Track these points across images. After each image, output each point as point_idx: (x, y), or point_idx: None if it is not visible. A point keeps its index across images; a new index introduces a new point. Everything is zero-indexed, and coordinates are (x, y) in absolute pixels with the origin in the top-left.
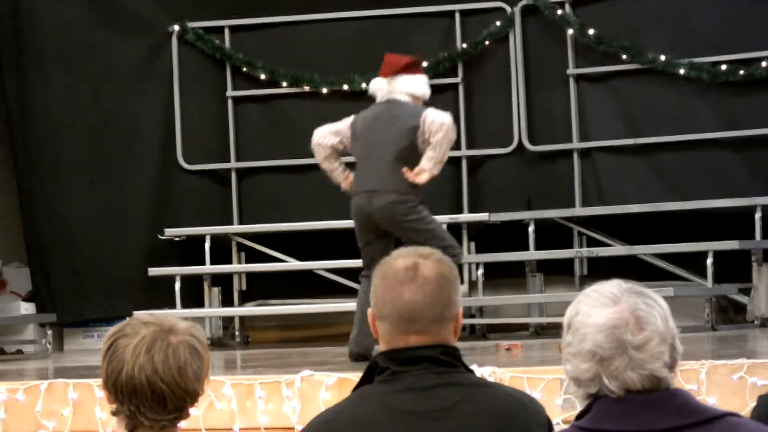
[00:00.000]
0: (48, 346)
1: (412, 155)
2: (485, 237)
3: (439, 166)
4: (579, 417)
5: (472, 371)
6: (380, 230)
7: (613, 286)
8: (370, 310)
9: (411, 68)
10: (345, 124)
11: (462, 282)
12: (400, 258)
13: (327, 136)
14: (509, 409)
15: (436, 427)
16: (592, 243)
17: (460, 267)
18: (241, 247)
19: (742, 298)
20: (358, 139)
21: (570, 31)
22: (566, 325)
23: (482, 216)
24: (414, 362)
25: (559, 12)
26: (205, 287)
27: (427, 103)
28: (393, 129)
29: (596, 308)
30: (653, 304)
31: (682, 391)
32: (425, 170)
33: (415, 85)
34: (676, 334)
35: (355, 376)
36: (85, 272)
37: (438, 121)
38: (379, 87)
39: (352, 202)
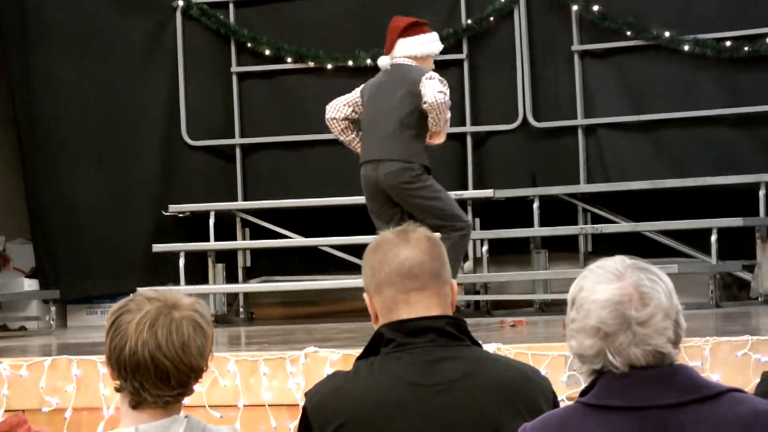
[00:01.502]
0: (51, 322)
1: (417, 120)
2: (490, 213)
3: (444, 130)
4: (583, 393)
5: (479, 344)
6: (390, 200)
7: (617, 261)
8: (365, 294)
9: (410, 30)
10: (355, 92)
11: (467, 258)
12: (390, 232)
13: (339, 108)
14: (515, 382)
15: (442, 400)
16: (597, 219)
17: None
18: (245, 224)
19: (746, 275)
20: (366, 107)
21: (575, 8)
22: (570, 301)
23: (487, 192)
24: (420, 333)
25: None
26: (210, 263)
27: (448, 68)
28: (396, 95)
29: (600, 284)
30: (657, 279)
31: (686, 367)
32: (435, 133)
33: (415, 45)
34: (680, 309)
35: (359, 353)
36: (88, 248)
37: (429, 101)
38: (383, 63)
39: (360, 172)
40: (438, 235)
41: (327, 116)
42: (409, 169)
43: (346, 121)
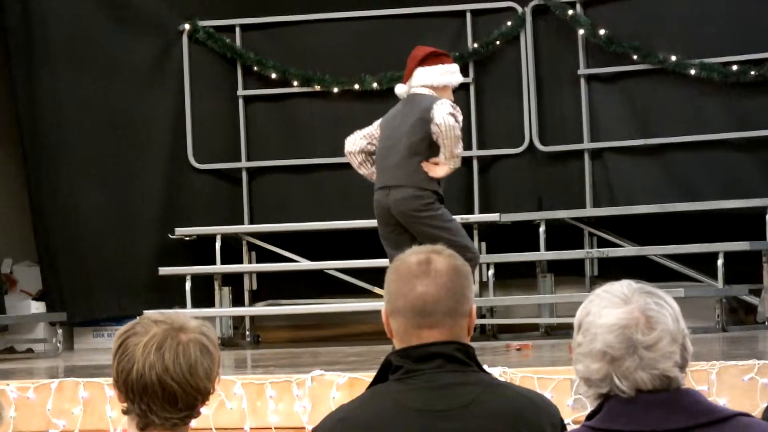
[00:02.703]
0: (58, 344)
1: (427, 148)
2: (496, 237)
3: (456, 160)
4: (590, 417)
5: (485, 371)
6: (400, 226)
7: (624, 286)
8: (383, 309)
9: (429, 60)
10: (374, 125)
11: (473, 282)
12: (413, 254)
13: (356, 141)
14: (523, 409)
15: (449, 427)
16: (603, 243)
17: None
18: (251, 247)
19: (752, 299)
20: (380, 137)
21: (581, 31)
22: (577, 325)
23: (493, 216)
24: (428, 359)
25: (570, 12)
26: (216, 287)
27: (455, 91)
28: (407, 123)
29: (607, 308)
30: (663, 304)
31: (693, 391)
32: (440, 163)
33: (433, 75)
34: (686, 333)
35: (366, 376)
36: (95, 271)
37: (437, 122)
38: (399, 91)
39: (374, 197)
40: (462, 258)
41: (345, 150)
42: (420, 197)
43: (363, 154)
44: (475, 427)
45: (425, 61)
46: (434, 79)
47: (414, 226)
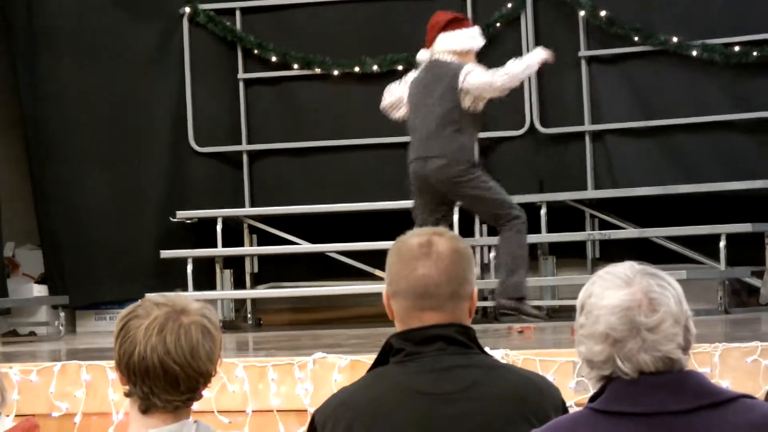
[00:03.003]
0: (61, 328)
1: (459, 116)
2: None
3: (506, 84)
4: (592, 399)
5: (487, 353)
6: (437, 196)
7: (626, 267)
8: (384, 290)
9: (451, 25)
10: (404, 79)
11: (474, 264)
12: (415, 236)
13: (389, 93)
14: (525, 391)
15: (451, 409)
16: (605, 226)
17: (473, 250)
18: (252, 230)
19: (755, 281)
20: (409, 105)
21: (582, 13)
22: (579, 307)
23: None
24: (429, 342)
25: None
26: (217, 270)
27: (479, 54)
28: (436, 92)
29: (609, 290)
30: (666, 285)
31: (696, 373)
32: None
33: (456, 40)
34: (689, 315)
35: (368, 359)
36: (97, 255)
37: (467, 88)
38: (422, 57)
39: (409, 169)
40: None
41: (382, 105)
42: (456, 163)
43: (395, 103)
44: (477, 410)
45: (447, 26)
46: (457, 44)
47: (458, 192)
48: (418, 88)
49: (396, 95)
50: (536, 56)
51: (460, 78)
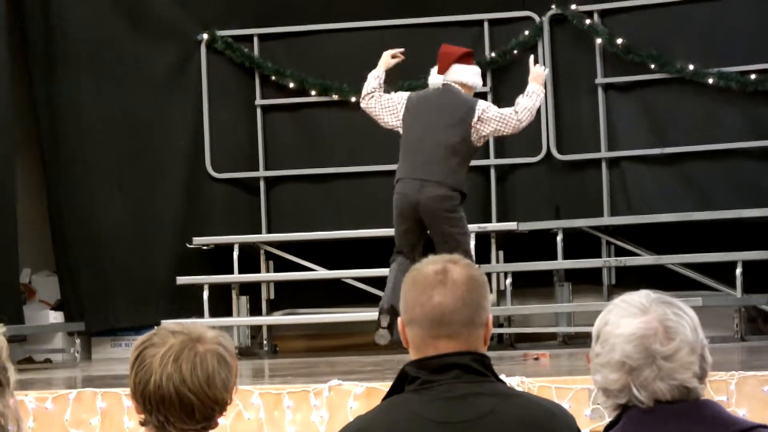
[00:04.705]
0: (76, 354)
1: (466, 149)
2: (513, 246)
3: (533, 108)
4: (608, 427)
5: (502, 381)
6: (418, 224)
7: (642, 296)
8: (399, 319)
9: (465, 58)
10: (401, 96)
11: (490, 291)
12: (430, 264)
13: (373, 82)
14: (540, 419)
15: None
16: (621, 252)
17: (489, 277)
18: (269, 256)
19: None
20: (412, 116)
21: (598, 41)
22: (595, 336)
23: (510, 225)
24: (444, 370)
25: (588, 21)
26: (233, 296)
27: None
28: (444, 120)
29: (625, 318)
30: (682, 314)
31: (712, 402)
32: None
33: (467, 74)
34: (705, 344)
35: (383, 386)
36: (113, 281)
37: (489, 124)
38: (435, 81)
39: (397, 188)
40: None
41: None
42: (452, 198)
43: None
44: None
45: (462, 58)
46: (468, 78)
47: (438, 223)
48: (428, 108)
49: (391, 97)
50: (541, 84)
51: (477, 112)
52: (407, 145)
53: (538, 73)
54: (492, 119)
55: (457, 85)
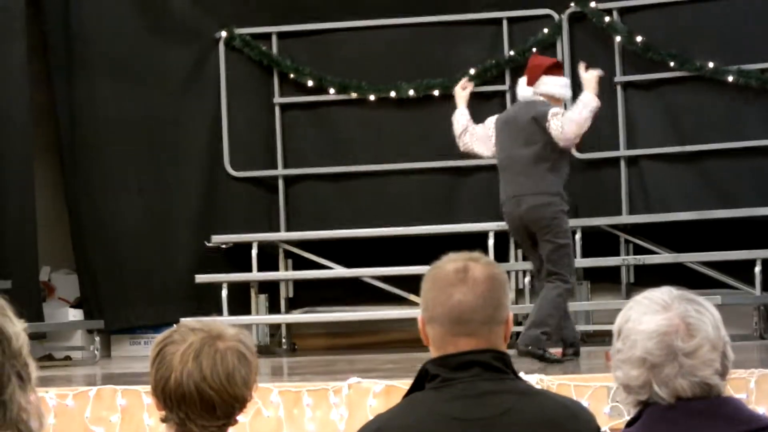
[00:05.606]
0: (96, 352)
1: (550, 153)
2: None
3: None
4: (629, 424)
5: (522, 379)
6: (531, 237)
7: (664, 292)
8: (419, 316)
9: (554, 69)
10: (488, 123)
11: (509, 290)
12: (451, 261)
13: (460, 119)
14: (559, 417)
15: None
16: (639, 251)
17: (507, 275)
18: (288, 254)
19: None
20: (498, 137)
21: (617, 39)
22: (616, 332)
23: None
24: (464, 368)
25: (607, 19)
26: (252, 294)
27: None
28: (523, 132)
29: (647, 315)
30: (704, 311)
31: (734, 399)
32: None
33: (556, 86)
34: (727, 341)
35: (403, 384)
36: (132, 279)
37: (555, 134)
38: (524, 93)
39: (503, 210)
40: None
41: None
42: (551, 204)
43: (465, 126)
44: None
45: (551, 70)
46: (557, 91)
47: (540, 230)
48: (508, 124)
49: (481, 127)
50: (591, 90)
51: (548, 116)
52: (499, 164)
53: (587, 79)
54: (551, 130)
55: (543, 98)
